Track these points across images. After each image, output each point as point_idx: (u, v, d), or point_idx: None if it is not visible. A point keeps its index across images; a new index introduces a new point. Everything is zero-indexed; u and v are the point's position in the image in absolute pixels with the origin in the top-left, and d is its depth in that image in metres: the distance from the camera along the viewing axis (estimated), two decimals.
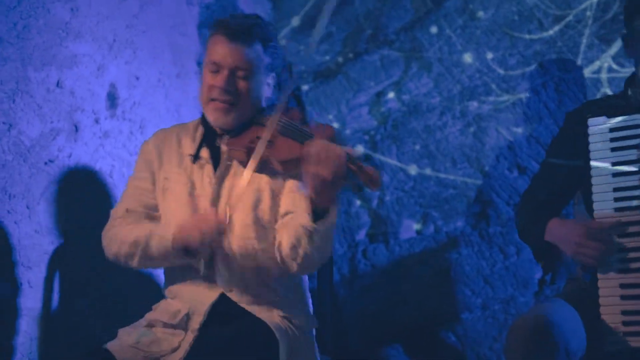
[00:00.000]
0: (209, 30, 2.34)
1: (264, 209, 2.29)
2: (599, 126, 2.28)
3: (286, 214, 2.28)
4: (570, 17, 3.20)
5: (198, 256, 2.21)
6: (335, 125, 3.66)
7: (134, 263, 2.31)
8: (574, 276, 2.49)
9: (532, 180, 2.62)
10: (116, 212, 2.41)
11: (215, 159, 2.34)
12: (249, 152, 2.15)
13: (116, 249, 2.33)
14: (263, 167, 2.22)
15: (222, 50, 2.27)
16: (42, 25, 2.81)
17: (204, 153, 2.35)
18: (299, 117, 2.25)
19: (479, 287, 3.34)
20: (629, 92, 2.38)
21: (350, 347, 3.53)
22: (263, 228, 2.29)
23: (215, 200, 2.28)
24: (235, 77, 2.27)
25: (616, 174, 2.25)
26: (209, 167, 2.33)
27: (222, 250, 2.27)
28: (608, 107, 2.36)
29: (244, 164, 2.15)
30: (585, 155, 2.31)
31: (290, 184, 2.30)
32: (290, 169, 2.15)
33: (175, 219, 2.31)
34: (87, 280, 2.91)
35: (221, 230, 2.13)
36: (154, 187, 2.40)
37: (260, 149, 2.12)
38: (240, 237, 2.28)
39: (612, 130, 2.26)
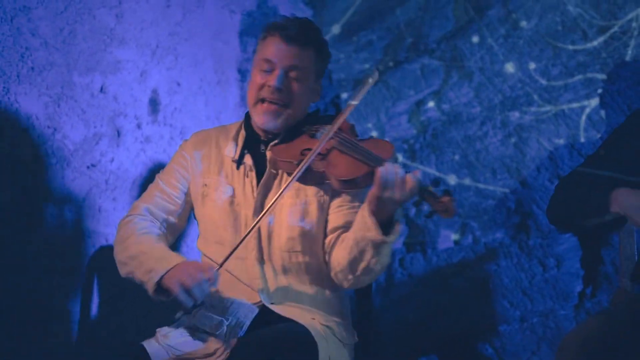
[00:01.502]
0: (262, 32, 2.30)
1: (310, 221, 2.25)
2: None
3: (335, 229, 2.25)
4: (616, 28, 3.15)
5: (175, 299, 2.12)
6: (374, 133, 3.66)
7: (121, 272, 2.29)
8: (620, 288, 2.40)
9: (588, 158, 2.40)
10: (137, 207, 2.37)
11: (259, 166, 2.29)
12: (299, 163, 2.09)
13: (118, 249, 2.31)
14: (312, 179, 2.18)
15: (277, 49, 2.23)
16: (87, 31, 2.85)
17: (247, 159, 2.30)
18: (351, 130, 2.21)
19: (518, 299, 3.30)
20: None
21: (386, 356, 3.51)
22: (308, 241, 2.25)
23: (257, 211, 2.24)
24: (289, 77, 2.23)
25: None
26: (252, 175, 2.28)
27: (266, 261, 2.24)
28: None
29: (291, 174, 2.09)
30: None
31: (340, 198, 2.26)
32: (349, 187, 2.10)
33: (215, 226, 2.30)
34: (126, 284, 2.94)
35: (207, 284, 2.07)
36: (181, 194, 2.36)
37: (309, 162, 2.07)
38: (284, 250, 2.25)
39: None
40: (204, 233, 2.38)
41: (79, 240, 2.85)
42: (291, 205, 2.24)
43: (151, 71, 3.13)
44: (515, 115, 3.35)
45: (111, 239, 2.96)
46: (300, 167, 2.07)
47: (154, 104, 3.14)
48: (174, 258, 2.19)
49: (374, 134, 3.65)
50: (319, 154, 2.09)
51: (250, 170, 2.28)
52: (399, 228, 2.07)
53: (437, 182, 1.98)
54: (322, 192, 2.25)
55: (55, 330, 2.75)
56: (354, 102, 2.16)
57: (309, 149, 2.11)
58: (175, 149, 3.01)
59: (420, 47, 3.62)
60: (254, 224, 2.13)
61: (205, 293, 2.09)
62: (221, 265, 2.13)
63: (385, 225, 2.05)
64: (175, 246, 2.77)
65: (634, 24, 3.12)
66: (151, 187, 2.42)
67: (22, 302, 2.63)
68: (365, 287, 2.61)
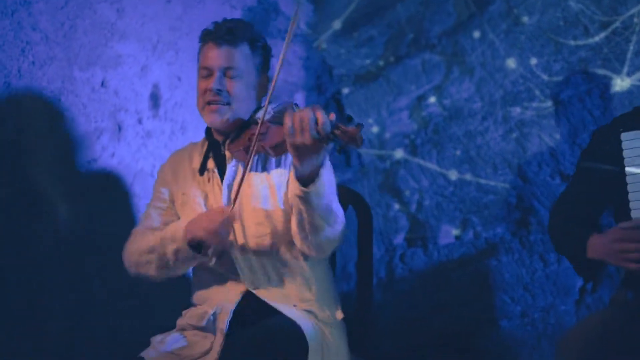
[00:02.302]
0: (198, 42, 2.44)
1: (273, 203, 2.33)
2: (632, 140, 2.27)
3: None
4: (617, 24, 3.14)
5: (208, 250, 2.25)
6: (375, 129, 3.65)
7: (152, 271, 2.37)
8: (618, 291, 2.42)
9: (566, 188, 2.58)
10: (137, 233, 2.48)
11: (222, 167, 2.40)
12: (247, 151, 2.22)
13: (135, 259, 2.40)
14: (266, 162, 2.34)
15: (211, 55, 2.36)
16: (88, 25, 2.85)
17: (210, 164, 2.43)
18: (291, 106, 2.26)
19: (518, 295, 3.30)
20: None
21: (386, 351, 3.52)
22: (275, 222, 2.33)
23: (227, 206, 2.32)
24: (226, 77, 2.35)
25: None
26: (216, 176, 2.40)
27: (240, 249, 2.32)
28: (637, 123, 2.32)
29: (245, 163, 2.22)
30: (619, 164, 2.27)
31: (292, 175, 2.31)
32: (282, 151, 2.19)
33: None
34: (125, 282, 2.94)
35: (229, 222, 2.20)
36: (172, 205, 2.47)
37: (254, 144, 2.19)
38: (255, 235, 2.32)
39: None
40: None
41: (80, 236, 2.85)
42: (253, 192, 2.33)
43: (152, 66, 3.13)
44: (516, 110, 3.35)
45: (112, 234, 2.96)
46: (250, 152, 2.20)
47: (154, 99, 3.14)
48: (182, 221, 2.33)
49: (375, 129, 3.65)
50: (261, 133, 2.20)
51: (213, 172, 2.41)
52: (326, 175, 2.12)
53: (349, 118, 2.01)
54: (279, 174, 2.35)
55: (55, 329, 2.75)
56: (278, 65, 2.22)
57: (253, 134, 2.23)
58: (176, 144, 3.03)
59: (421, 42, 3.61)
60: (234, 197, 2.25)
61: (229, 232, 2.23)
62: (234, 204, 2.23)
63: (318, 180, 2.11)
64: None
65: (635, 20, 3.11)
66: (144, 213, 2.55)
67: (21, 299, 2.64)
68: (366, 283, 2.62)
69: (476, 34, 3.46)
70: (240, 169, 2.35)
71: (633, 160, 2.26)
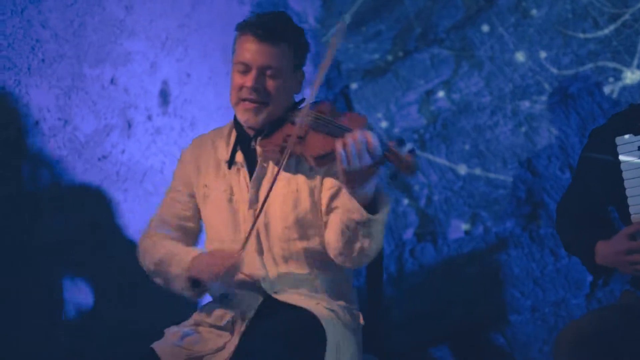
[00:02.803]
0: (236, 31, 2.34)
1: (304, 208, 2.28)
2: (627, 144, 2.28)
3: (329, 211, 2.27)
4: (627, 16, 3.13)
5: (207, 290, 2.24)
6: (384, 124, 3.65)
7: (157, 281, 2.36)
8: (628, 287, 2.42)
9: (569, 185, 2.58)
10: (152, 221, 2.45)
11: (251, 162, 2.33)
12: (282, 151, 2.14)
13: (146, 263, 2.38)
14: (298, 165, 2.25)
15: (250, 51, 2.26)
16: (97, 22, 2.86)
17: (239, 157, 2.35)
18: (330, 109, 2.23)
19: (529, 289, 3.29)
20: None
21: (397, 346, 3.52)
22: (305, 228, 2.28)
23: (252, 204, 2.27)
24: (265, 76, 2.26)
25: None
26: (244, 171, 2.33)
27: (265, 252, 2.28)
28: (634, 121, 2.33)
29: (279, 164, 2.14)
30: (616, 166, 2.29)
31: (328, 181, 2.28)
32: (325, 163, 2.14)
33: (216, 224, 2.36)
34: (137, 277, 2.95)
35: (235, 269, 2.15)
36: (189, 198, 2.42)
37: (290, 147, 2.12)
38: (282, 240, 2.28)
39: None
40: (208, 233, 2.43)
41: (90, 232, 2.86)
42: (283, 195, 2.27)
43: (161, 63, 3.13)
44: (525, 104, 3.34)
45: (123, 230, 2.97)
46: (284, 154, 2.13)
47: (164, 96, 3.15)
48: (194, 250, 2.29)
49: (384, 124, 3.65)
50: (299, 137, 2.14)
51: (242, 166, 2.33)
52: (387, 200, 2.08)
53: (401, 141, 1.96)
54: (312, 178, 2.29)
55: (63, 324, 2.76)
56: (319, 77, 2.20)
57: (290, 135, 2.17)
58: (186, 141, 3.03)
59: (429, 37, 3.60)
60: (256, 216, 2.19)
61: (233, 279, 2.17)
62: (243, 248, 2.17)
63: (372, 202, 2.07)
64: None
65: None
66: (162, 200, 2.50)
67: (30, 294, 2.65)
68: (376, 278, 2.62)
69: (485, 28, 3.45)
70: (272, 168, 2.28)
71: (629, 164, 2.27)
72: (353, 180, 2.00)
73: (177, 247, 2.33)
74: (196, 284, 2.22)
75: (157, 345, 2.23)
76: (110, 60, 2.91)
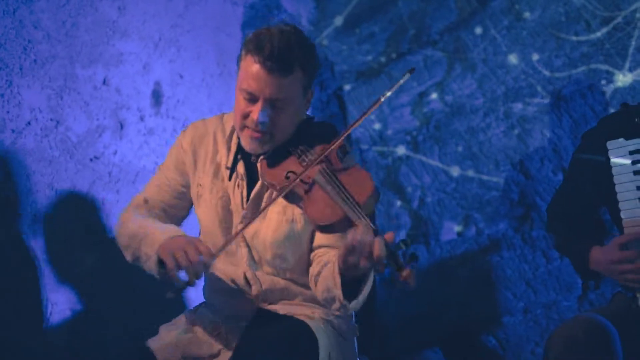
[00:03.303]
0: (243, 48, 2.13)
1: (297, 240, 2.22)
2: (618, 148, 2.30)
3: (320, 246, 2.21)
4: (619, 19, 3.14)
5: (171, 277, 2.05)
6: (377, 125, 3.65)
7: (127, 256, 2.25)
8: (619, 289, 2.43)
9: (560, 186, 2.60)
10: (136, 198, 2.35)
11: (250, 175, 2.24)
12: (283, 189, 2.04)
13: (118, 235, 2.28)
14: (296, 200, 2.12)
15: (258, 80, 2.07)
16: (89, 23, 2.85)
17: (240, 168, 2.25)
18: (335, 158, 2.11)
19: (521, 291, 3.30)
20: None
21: (390, 348, 3.52)
22: (297, 254, 2.23)
23: (246, 219, 2.20)
24: (273, 107, 2.10)
25: (637, 172, 2.26)
26: (243, 185, 2.24)
27: (256, 274, 2.24)
28: (625, 125, 2.34)
29: (277, 194, 2.05)
30: (608, 165, 2.30)
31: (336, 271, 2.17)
32: (325, 232, 2.03)
33: (209, 224, 2.29)
34: (130, 276, 2.94)
35: (202, 265, 2.01)
36: (180, 188, 2.34)
37: (292, 187, 2.03)
38: (273, 266, 2.23)
39: (631, 152, 2.29)
40: (202, 233, 2.38)
41: (82, 233, 2.85)
42: (278, 221, 2.21)
43: (154, 64, 3.13)
44: (518, 106, 3.35)
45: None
46: (282, 192, 2.04)
47: (156, 97, 3.14)
48: (174, 230, 2.16)
49: (377, 125, 3.65)
50: (303, 181, 2.04)
51: (242, 179, 2.25)
52: (366, 291, 1.97)
53: (406, 242, 1.83)
54: None
55: (57, 324, 2.75)
56: (350, 129, 2.10)
57: (293, 172, 2.07)
58: None
59: (422, 39, 3.61)
60: (237, 232, 2.13)
61: (198, 276, 2.02)
62: (220, 251, 2.09)
63: (356, 282, 1.96)
64: None
65: (637, 15, 3.11)
66: (152, 178, 2.41)
67: (24, 295, 2.64)
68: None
69: (478, 30, 3.46)
70: (270, 192, 2.19)
71: (620, 168, 2.29)
72: (346, 268, 1.91)
73: (153, 223, 2.22)
74: (163, 264, 2.07)
75: (152, 343, 2.21)
76: (102, 60, 2.91)
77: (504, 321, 3.32)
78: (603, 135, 2.36)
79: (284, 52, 2.05)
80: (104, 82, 2.92)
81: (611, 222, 2.46)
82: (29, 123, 2.66)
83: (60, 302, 2.76)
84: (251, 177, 2.24)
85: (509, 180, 3.36)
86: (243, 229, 2.11)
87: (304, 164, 2.08)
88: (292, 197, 2.07)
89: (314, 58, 2.16)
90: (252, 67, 2.07)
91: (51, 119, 2.72)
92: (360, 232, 1.84)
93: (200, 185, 2.30)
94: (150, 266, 2.12)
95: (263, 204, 2.19)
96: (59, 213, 2.76)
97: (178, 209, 2.37)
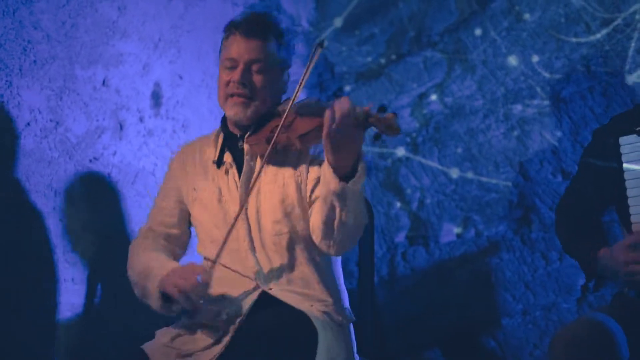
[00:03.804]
0: (224, 32, 2.38)
1: (291, 202, 2.30)
2: (631, 144, 2.28)
3: (313, 201, 2.29)
4: (619, 21, 3.14)
5: (176, 306, 2.22)
6: None
7: (136, 292, 2.36)
8: (620, 290, 2.43)
9: (569, 185, 2.59)
10: (140, 230, 2.48)
11: (239, 162, 2.36)
12: (269, 142, 2.19)
13: (129, 271, 2.40)
14: (284, 159, 2.28)
15: (237, 46, 2.31)
16: (89, 24, 2.85)
17: (227, 157, 2.38)
18: (315, 99, 2.27)
19: (520, 293, 3.30)
20: None
21: (389, 350, 3.52)
22: (293, 221, 2.30)
23: (243, 203, 2.27)
24: (251, 71, 2.31)
25: None
26: (233, 171, 2.35)
27: (256, 246, 2.30)
28: (637, 122, 2.33)
29: (264, 156, 2.18)
30: (619, 163, 2.29)
31: (313, 171, 2.30)
32: (309, 141, 2.18)
33: (206, 226, 2.37)
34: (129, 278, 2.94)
35: (204, 286, 2.14)
36: (175, 204, 2.45)
37: (277, 135, 2.15)
38: (272, 234, 2.29)
39: None
40: (199, 236, 2.44)
41: (82, 235, 2.85)
42: (270, 190, 2.30)
43: (153, 64, 3.13)
44: (518, 108, 3.35)
45: (114, 233, 2.96)
46: (271, 144, 2.16)
47: (156, 97, 3.14)
48: (170, 264, 2.29)
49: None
50: (284, 126, 2.17)
51: (231, 166, 2.36)
52: (363, 169, 2.09)
53: (383, 108, 2.01)
54: (298, 172, 2.31)
55: (57, 324, 2.75)
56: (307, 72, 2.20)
57: (277, 126, 2.20)
58: (178, 143, 3.02)
59: (423, 40, 3.61)
60: (235, 215, 2.22)
61: (201, 295, 2.15)
62: (215, 262, 2.19)
63: (351, 175, 2.08)
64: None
65: (637, 17, 3.10)
66: (151, 208, 2.52)
67: (23, 297, 2.64)
68: (368, 281, 2.62)
69: (478, 32, 3.46)
70: (259, 162, 2.31)
71: (632, 164, 2.27)
72: (336, 144, 2.02)
73: (156, 259, 2.34)
74: (169, 299, 2.21)
75: (147, 347, 2.25)
76: (102, 61, 2.91)
77: (503, 323, 3.32)
78: (614, 132, 2.34)
79: (260, 20, 2.34)
80: (104, 82, 2.92)
81: (619, 224, 2.46)
82: (29, 124, 2.66)
83: (60, 303, 2.76)
84: (240, 165, 2.35)
85: (509, 182, 3.36)
86: (241, 209, 2.21)
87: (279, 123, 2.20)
88: (280, 151, 2.25)
89: (287, 37, 2.40)
90: (231, 39, 2.34)
91: (50, 120, 2.72)
92: (334, 102, 2.03)
93: (195, 189, 2.40)
94: (155, 303, 2.26)
95: (253, 179, 2.28)
96: (58, 215, 2.76)
97: (178, 228, 2.47)
